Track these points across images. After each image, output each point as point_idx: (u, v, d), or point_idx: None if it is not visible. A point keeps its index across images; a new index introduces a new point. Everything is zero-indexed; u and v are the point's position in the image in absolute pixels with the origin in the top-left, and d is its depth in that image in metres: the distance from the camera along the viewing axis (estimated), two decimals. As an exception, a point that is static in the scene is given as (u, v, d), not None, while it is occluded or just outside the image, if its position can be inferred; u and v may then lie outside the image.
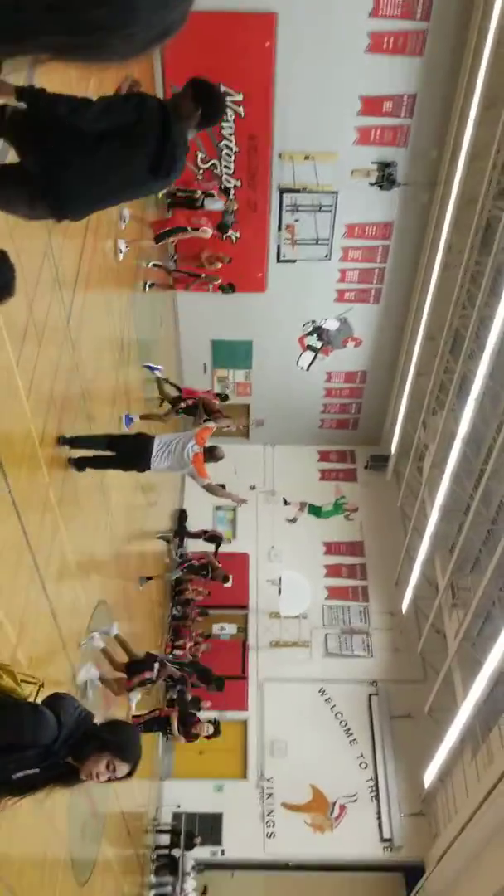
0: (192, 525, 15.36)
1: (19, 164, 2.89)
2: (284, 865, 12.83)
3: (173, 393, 10.94)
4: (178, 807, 12.81)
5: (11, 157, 3.13)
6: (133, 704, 8.43)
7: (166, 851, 12.29)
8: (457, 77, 11.31)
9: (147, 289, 10.94)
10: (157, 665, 7.97)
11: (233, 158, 12.53)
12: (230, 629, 15.23)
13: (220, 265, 13.00)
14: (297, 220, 13.47)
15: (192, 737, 9.66)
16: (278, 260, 14.09)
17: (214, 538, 14.05)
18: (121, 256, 8.68)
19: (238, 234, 13.38)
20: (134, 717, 8.84)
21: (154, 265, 11.36)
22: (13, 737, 2.56)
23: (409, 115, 12.08)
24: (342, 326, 15.29)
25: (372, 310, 15.05)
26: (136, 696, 8.20)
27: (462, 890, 10.83)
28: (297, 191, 12.92)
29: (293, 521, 16.41)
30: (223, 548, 14.04)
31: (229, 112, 11.86)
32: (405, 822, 13.04)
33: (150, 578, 11.13)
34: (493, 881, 9.80)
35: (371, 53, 11.33)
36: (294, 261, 14.05)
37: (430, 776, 12.53)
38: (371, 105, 11.99)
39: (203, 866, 12.62)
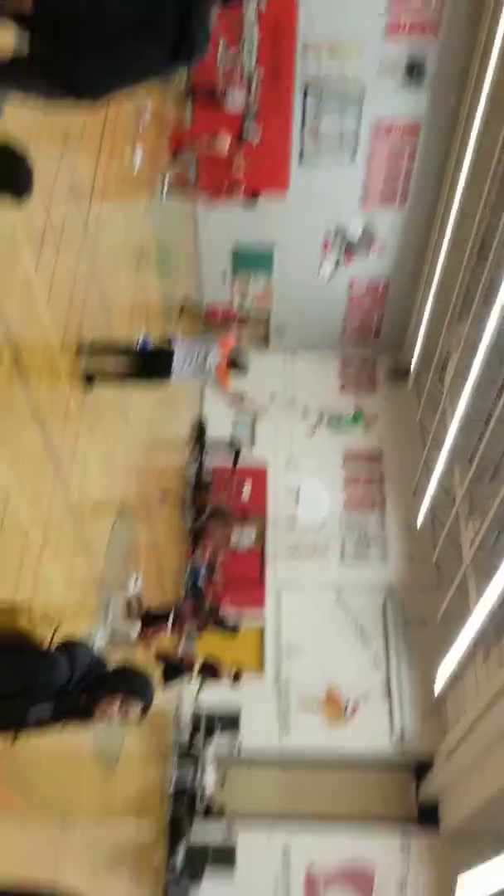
0: (212, 435, 15.45)
1: (33, 53, 2.78)
2: (299, 759, 13.44)
3: None
4: (198, 703, 13.35)
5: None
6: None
7: (187, 745, 12.90)
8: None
9: (166, 197, 10.64)
10: (171, 619, 8.05)
11: (255, 51, 11.91)
12: (248, 538, 15.48)
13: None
14: (320, 119, 12.91)
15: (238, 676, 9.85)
16: (300, 162, 13.60)
17: (233, 448, 14.13)
18: (137, 162, 8.41)
19: (259, 137, 12.86)
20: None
21: (172, 175, 11.02)
22: (28, 680, 2.65)
23: (441, 6, 11.38)
24: (365, 232, 14.86)
25: (397, 214, 14.59)
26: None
27: (471, 783, 11.32)
28: (322, 87, 12.33)
29: (312, 431, 16.40)
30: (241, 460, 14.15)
31: (252, 1, 11.22)
32: (416, 721, 13.55)
33: (168, 494, 11.17)
34: (500, 776, 10.24)
35: None
36: (317, 162, 13.55)
37: (441, 678, 12.94)
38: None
39: (222, 758, 13.24)
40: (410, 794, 13.07)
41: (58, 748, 5.75)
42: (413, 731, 13.44)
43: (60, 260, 5.52)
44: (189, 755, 12.56)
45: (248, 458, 15.61)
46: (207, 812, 12.20)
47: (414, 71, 12.10)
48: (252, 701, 13.07)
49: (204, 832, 12.18)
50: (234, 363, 7.11)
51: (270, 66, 12.09)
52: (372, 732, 13.44)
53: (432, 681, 13.30)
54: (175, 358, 6.68)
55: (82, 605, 6.43)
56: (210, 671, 9.64)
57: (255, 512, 15.65)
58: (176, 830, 11.63)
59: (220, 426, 15.67)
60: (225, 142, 11.00)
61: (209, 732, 12.91)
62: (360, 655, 14.23)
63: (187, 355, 6.74)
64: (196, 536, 13.85)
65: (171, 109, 10.75)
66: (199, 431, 15.45)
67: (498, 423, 10.89)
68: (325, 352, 17.56)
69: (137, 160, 8.34)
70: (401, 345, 17.20)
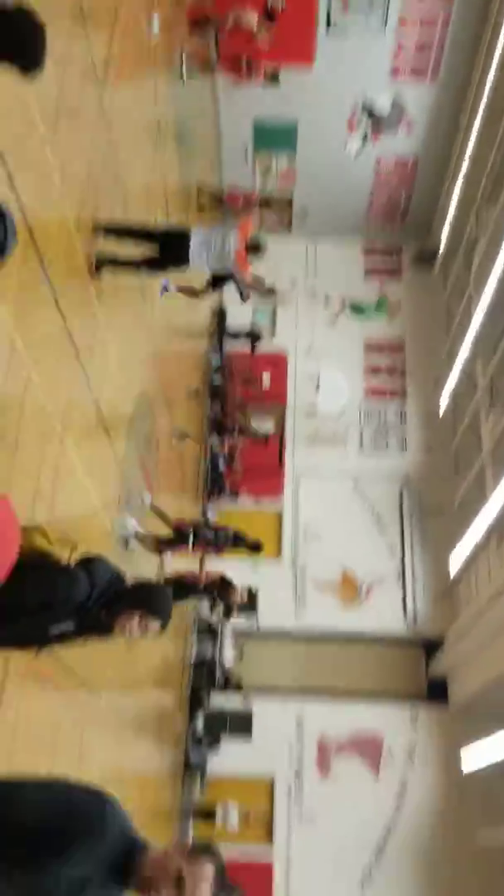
0: (232, 323, 15.27)
1: None
2: (314, 635, 13.99)
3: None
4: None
5: None
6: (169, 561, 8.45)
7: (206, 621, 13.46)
8: None
9: (185, 74, 10.09)
10: (191, 537, 8.05)
11: None
12: (268, 425, 15.53)
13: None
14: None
15: (230, 610, 9.85)
16: (328, 31, 12.77)
17: (253, 336, 13.98)
18: (155, 29, 7.93)
19: (284, 2, 12.01)
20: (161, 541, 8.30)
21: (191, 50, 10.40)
22: (48, 595, 2.69)
23: None
24: (395, 106, 14.11)
25: (428, 89, 13.79)
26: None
27: (479, 662, 11.77)
28: None
29: (334, 320, 16.14)
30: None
31: None
32: (429, 603, 13.98)
33: (187, 436, 10.99)
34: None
35: None
36: (345, 30, 12.72)
37: (455, 563, 13.26)
38: None
39: (240, 634, 13.80)
40: (420, 672, 13.64)
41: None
42: (425, 613, 13.87)
43: (75, 137, 5.32)
44: (209, 630, 13.08)
45: (268, 347, 15.49)
46: (226, 684, 12.84)
47: None
48: (270, 583, 13.46)
49: (222, 702, 12.89)
50: (255, 247, 6.92)
51: None
52: (385, 614, 13.91)
53: (446, 566, 13.63)
54: (192, 244, 6.42)
55: (103, 495, 6.57)
56: (223, 593, 9.66)
57: (274, 400, 15.66)
58: (196, 699, 12.28)
59: (240, 314, 15.45)
60: (252, 17, 10.39)
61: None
62: (376, 542, 14.53)
63: (205, 242, 6.47)
64: (216, 425, 13.92)
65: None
66: (220, 319, 15.27)
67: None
68: (349, 237, 17.05)
69: (155, 27, 7.88)
70: (428, 229, 16.64)
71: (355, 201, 16.34)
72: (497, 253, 11.61)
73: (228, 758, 12.57)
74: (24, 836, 1.97)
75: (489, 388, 12.59)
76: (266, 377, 15.63)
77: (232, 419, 14.43)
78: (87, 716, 6.24)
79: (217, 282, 9.32)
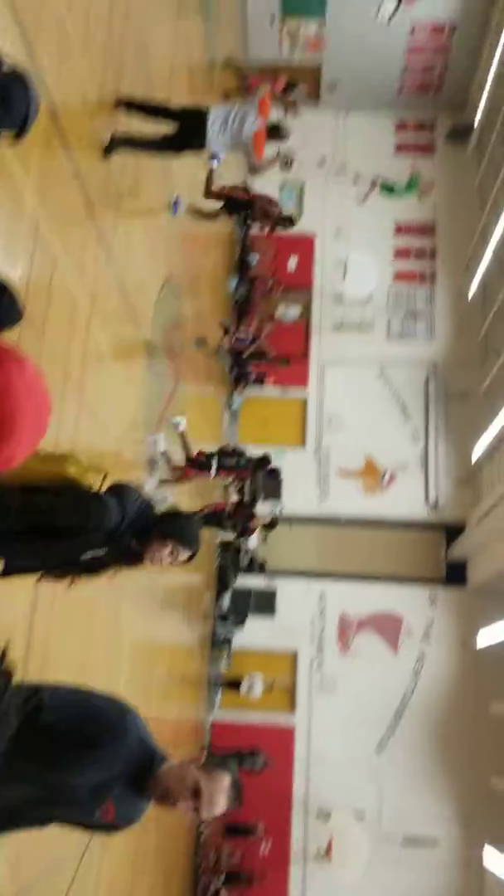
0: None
1: None
2: (336, 520, 14.30)
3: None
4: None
5: None
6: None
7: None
8: None
9: None
10: (214, 466, 8.08)
11: None
12: (294, 311, 15.29)
13: None
14: None
15: (249, 531, 10.04)
16: None
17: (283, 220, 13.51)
18: None
19: None
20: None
21: None
22: (79, 521, 2.69)
23: None
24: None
25: None
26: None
27: (499, 546, 11.99)
28: None
29: (364, 199, 15.52)
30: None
31: None
32: (451, 489, 14.15)
33: (205, 343, 10.80)
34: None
35: None
36: None
37: (478, 450, 13.32)
38: None
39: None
40: (440, 556, 13.98)
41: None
42: (447, 498, 14.06)
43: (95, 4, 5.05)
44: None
45: (295, 228, 15.02)
46: (250, 566, 13.27)
47: None
48: (293, 470, 13.62)
49: (248, 583, 13.37)
50: (275, 131, 6.63)
51: None
52: (407, 499, 14.12)
53: (469, 453, 13.70)
54: (209, 124, 6.03)
55: (129, 374, 6.61)
56: (243, 518, 9.79)
57: (300, 284, 15.37)
58: (223, 577, 12.74)
59: (265, 191, 14.92)
60: None
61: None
62: (400, 428, 14.57)
63: (223, 120, 6.08)
64: (241, 308, 13.72)
65: None
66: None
67: None
68: (381, 111, 16.22)
69: None
70: (463, 103, 15.77)
71: (387, 72, 15.45)
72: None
73: (254, 633, 13.17)
74: (51, 738, 2.09)
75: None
76: (293, 261, 15.28)
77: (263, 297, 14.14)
78: (122, 594, 6.51)
79: (232, 207, 9.05)
